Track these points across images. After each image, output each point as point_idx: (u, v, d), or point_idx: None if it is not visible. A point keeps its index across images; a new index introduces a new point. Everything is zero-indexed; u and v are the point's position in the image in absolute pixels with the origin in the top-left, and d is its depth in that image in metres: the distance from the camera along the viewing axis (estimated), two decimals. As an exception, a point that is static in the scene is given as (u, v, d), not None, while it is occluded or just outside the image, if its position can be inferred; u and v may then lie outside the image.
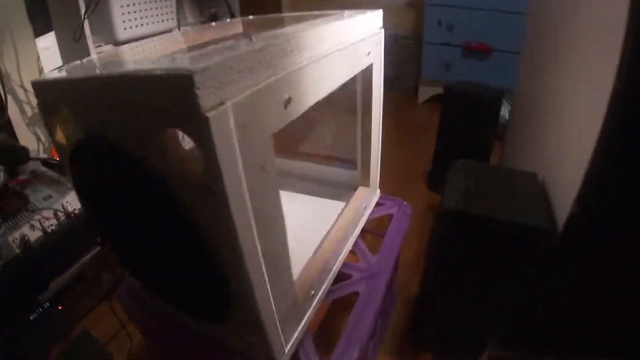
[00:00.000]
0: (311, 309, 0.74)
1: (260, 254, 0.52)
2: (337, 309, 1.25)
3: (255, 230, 0.50)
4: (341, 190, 1.10)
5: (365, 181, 1.02)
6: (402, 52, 3.16)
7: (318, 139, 1.18)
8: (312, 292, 0.74)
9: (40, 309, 1.20)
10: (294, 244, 0.87)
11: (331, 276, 0.82)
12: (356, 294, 0.86)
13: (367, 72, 0.85)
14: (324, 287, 0.79)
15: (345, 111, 1.01)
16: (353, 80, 0.88)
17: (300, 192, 1.12)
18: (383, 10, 0.87)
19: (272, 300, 0.58)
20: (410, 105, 3.03)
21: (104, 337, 1.29)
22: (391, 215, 1.12)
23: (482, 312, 1.06)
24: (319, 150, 1.17)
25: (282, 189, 1.18)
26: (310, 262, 0.78)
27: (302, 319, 0.71)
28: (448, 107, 1.89)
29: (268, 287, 0.56)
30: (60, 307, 1.26)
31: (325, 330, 1.20)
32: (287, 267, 0.63)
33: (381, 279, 0.89)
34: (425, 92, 3.04)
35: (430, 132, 2.62)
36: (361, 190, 1.02)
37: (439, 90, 2.97)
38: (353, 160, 1.05)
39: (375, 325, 0.84)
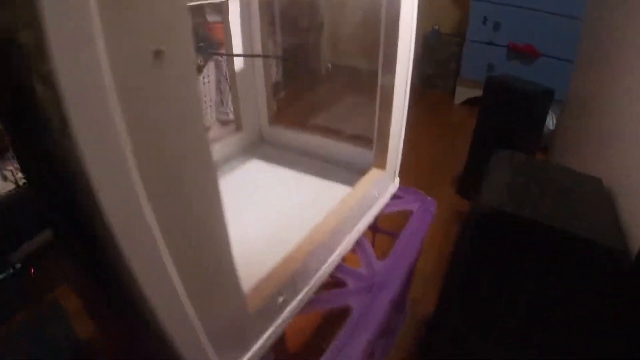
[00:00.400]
0: (279, 320, 0.53)
1: (168, 255, 0.33)
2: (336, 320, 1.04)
3: (151, 212, 0.31)
4: (354, 175, 0.90)
5: (380, 162, 0.81)
6: (444, 49, 2.93)
7: (333, 110, 0.99)
8: (281, 299, 0.54)
9: (10, 269, 1.08)
10: (275, 235, 0.67)
11: (315, 280, 0.62)
12: (348, 309, 0.65)
13: (393, 6, 0.64)
14: (301, 294, 0.59)
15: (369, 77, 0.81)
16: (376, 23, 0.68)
17: (303, 172, 0.92)
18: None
19: (194, 316, 0.38)
20: (445, 106, 2.80)
21: (75, 310, 1.12)
22: (410, 212, 0.91)
23: (522, 338, 0.83)
24: (333, 123, 0.97)
25: (283, 166, 1.02)
26: (285, 259, 0.58)
27: (260, 335, 0.51)
28: (489, 103, 1.66)
29: (186, 303, 0.36)
30: (32, 271, 1.13)
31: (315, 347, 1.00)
32: (229, 271, 0.43)
33: (384, 294, 0.68)
34: (463, 93, 2.80)
35: (464, 135, 2.39)
36: (374, 172, 0.81)
37: (478, 92, 2.73)
38: (371, 139, 0.85)
39: (367, 354, 0.62)
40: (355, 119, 1.05)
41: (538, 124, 1.62)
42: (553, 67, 2.49)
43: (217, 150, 0.95)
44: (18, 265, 1.11)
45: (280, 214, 0.76)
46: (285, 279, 0.55)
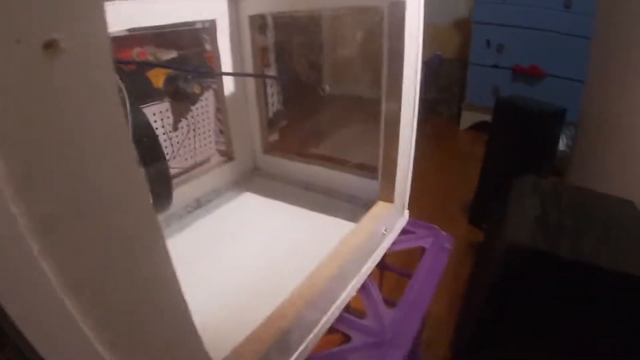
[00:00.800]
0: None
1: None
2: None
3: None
4: (357, 208, 0.80)
5: (387, 194, 0.72)
6: (447, 75, 2.87)
7: (332, 138, 0.90)
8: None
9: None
10: (266, 282, 0.57)
11: (312, 337, 0.51)
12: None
13: (396, 16, 0.56)
14: (295, 355, 0.48)
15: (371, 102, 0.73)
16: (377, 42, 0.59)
17: (300, 205, 0.82)
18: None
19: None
20: (451, 132, 2.72)
21: None
22: (423, 249, 0.81)
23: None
24: (332, 151, 0.88)
25: (278, 199, 0.92)
26: (275, 314, 0.47)
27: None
28: (499, 125, 1.57)
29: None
30: None
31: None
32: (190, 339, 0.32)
33: (396, 352, 0.57)
34: (469, 118, 2.72)
35: (471, 162, 2.30)
36: (380, 206, 0.71)
37: (484, 117, 2.66)
38: (375, 168, 0.76)
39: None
40: (357, 147, 0.96)
41: (551, 145, 1.53)
42: (559, 86, 2.42)
43: (207, 182, 0.86)
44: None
45: (274, 256, 0.66)
46: (275, 338, 0.44)
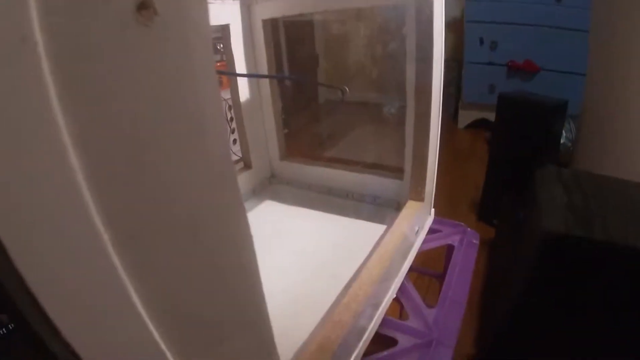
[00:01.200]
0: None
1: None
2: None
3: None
4: (381, 209, 0.78)
5: (417, 193, 0.70)
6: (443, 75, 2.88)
7: (348, 141, 0.89)
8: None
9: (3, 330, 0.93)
10: (305, 290, 0.56)
11: (362, 344, 0.50)
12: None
13: (424, 12, 0.55)
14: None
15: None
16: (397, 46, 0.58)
17: (324, 210, 0.80)
18: None
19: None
20: (449, 131, 2.72)
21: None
22: (450, 247, 0.79)
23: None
24: (349, 154, 0.87)
25: (300, 205, 0.90)
26: (331, 322, 0.45)
27: None
28: (503, 121, 1.57)
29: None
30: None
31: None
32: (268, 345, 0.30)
33: (445, 350, 0.55)
34: (466, 117, 2.73)
35: (473, 159, 2.31)
36: (411, 205, 0.70)
37: (481, 115, 2.67)
38: (399, 168, 0.74)
39: None
40: (375, 149, 0.95)
41: (555, 137, 1.53)
42: (554, 80, 2.44)
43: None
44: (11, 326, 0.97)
45: (311, 262, 0.64)
46: (335, 347, 0.43)
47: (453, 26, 2.89)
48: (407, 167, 0.71)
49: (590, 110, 1.61)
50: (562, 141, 2.07)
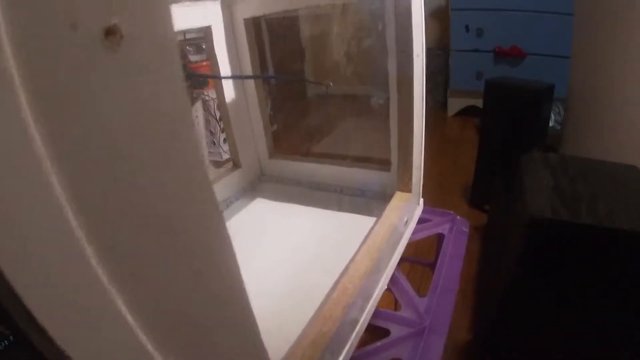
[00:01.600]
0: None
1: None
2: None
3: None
4: (371, 201, 0.79)
5: (404, 184, 0.71)
6: (430, 63, 2.88)
7: (334, 136, 0.89)
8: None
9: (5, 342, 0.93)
10: (298, 285, 0.56)
11: (355, 336, 0.51)
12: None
13: (403, 6, 0.56)
14: (343, 355, 0.47)
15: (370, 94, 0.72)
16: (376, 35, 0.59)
17: (314, 205, 0.81)
18: None
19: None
20: (439, 119, 2.73)
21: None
22: (440, 236, 0.81)
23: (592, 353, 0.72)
24: (336, 148, 0.87)
25: (291, 201, 0.91)
26: (321, 317, 0.46)
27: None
28: (491, 108, 1.58)
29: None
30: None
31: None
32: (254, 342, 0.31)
33: (436, 338, 0.57)
34: (455, 104, 2.74)
35: (463, 146, 2.32)
36: (399, 196, 0.71)
37: (470, 101, 2.68)
38: (385, 160, 0.75)
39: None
40: (362, 142, 0.96)
41: (543, 121, 1.54)
42: (541, 64, 2.45)
43: (216, 193, 0.84)
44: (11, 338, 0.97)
45: (304, 256, 0.65)
46: (327, 341, 0.44)
47: (439, 14, 2.89)
48: (394, 158, 0.72)
49: (576, 93, 1.62)
50: (551, 124, 2.08)
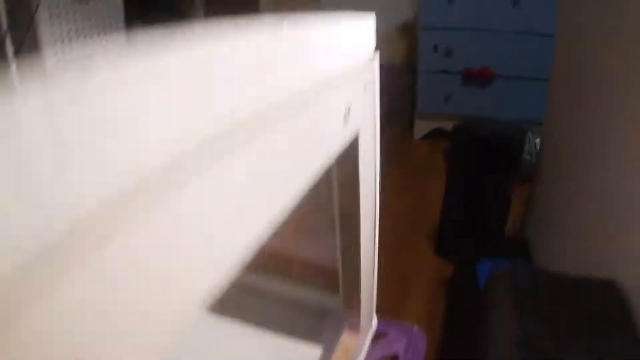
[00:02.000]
0: None
1: None
2: None
3: None
4: (318, 321, 0.69)
5: (353, 324, 0.61)
6: (397, 82, 2.80)
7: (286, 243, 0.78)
8: None
9: None
10: None
11: None
12: None
13: (349, 154, 0.45)
14: None
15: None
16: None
17: (256, 322, 0.71)
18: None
19: None
20: (406, 142, 2.65)
21: None
22: (395, 357, 0.71)
23: None
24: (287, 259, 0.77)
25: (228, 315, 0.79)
26: None
27: None
28: (458, 154, 1.50)
29: None
30: None
31: None
32: None
33: None
34: (422, 127, 2.66)
35: (432, 174, 2.24)
36: (346, 340, 0.61)
37: (437, 124, 2.61)
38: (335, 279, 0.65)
39: None
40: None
41: (515, 162, 1.47)
42: (512, 87, 2.40)
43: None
44: None
45: None
46: None
47: (406, 32, 2.82)
48: (341, 289, 0.62)
49: (552, 126, 1.54)
50: (523, 155, 2.02)
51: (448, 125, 2.55)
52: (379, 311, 0.72)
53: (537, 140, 2.02)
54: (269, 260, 0.78)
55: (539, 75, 2.28)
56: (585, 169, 1.11)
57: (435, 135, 2.59)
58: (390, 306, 1.25)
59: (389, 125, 2.84)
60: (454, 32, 2.39)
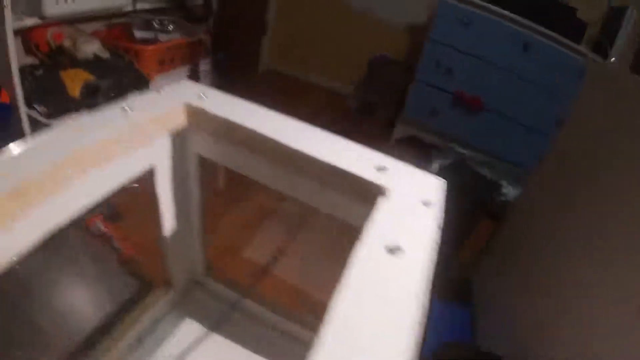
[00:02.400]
0: None
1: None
2: None
3: None
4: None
5: None
6: (389, 75, 2.83)
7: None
8: None
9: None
10: None
11: None
12: None
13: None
14: None
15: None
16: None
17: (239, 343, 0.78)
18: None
19: None
20: (382, 142, 2.71)
21: None
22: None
23: None
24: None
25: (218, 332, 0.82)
26: None
27: None
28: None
29: None
30: None
31: None
32: None
33: None
34: (402, 130, 2.73)
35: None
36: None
37: (415, 132, 2.69)
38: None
39: None
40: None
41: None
42: (496, 123, 2.48)
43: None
44: None
45: None
46: None
47: (415, 32, 2.82)
48: None
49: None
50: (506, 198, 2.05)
51: (426, 137, 2.65)
52: None
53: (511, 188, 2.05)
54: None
55: (524, 121, 2.38)
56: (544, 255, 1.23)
57: (411, 142, 2.68)
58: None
59: (371, 115, 2.88)
60: (460, 54, 2.41)
